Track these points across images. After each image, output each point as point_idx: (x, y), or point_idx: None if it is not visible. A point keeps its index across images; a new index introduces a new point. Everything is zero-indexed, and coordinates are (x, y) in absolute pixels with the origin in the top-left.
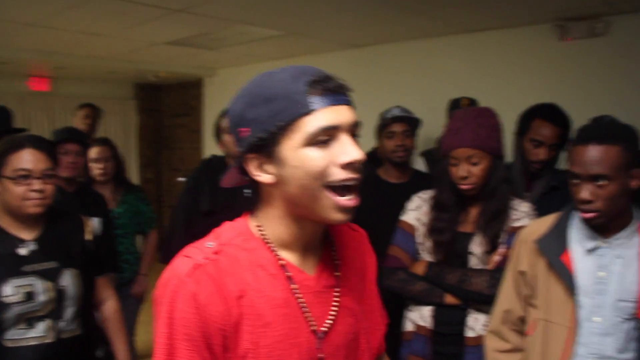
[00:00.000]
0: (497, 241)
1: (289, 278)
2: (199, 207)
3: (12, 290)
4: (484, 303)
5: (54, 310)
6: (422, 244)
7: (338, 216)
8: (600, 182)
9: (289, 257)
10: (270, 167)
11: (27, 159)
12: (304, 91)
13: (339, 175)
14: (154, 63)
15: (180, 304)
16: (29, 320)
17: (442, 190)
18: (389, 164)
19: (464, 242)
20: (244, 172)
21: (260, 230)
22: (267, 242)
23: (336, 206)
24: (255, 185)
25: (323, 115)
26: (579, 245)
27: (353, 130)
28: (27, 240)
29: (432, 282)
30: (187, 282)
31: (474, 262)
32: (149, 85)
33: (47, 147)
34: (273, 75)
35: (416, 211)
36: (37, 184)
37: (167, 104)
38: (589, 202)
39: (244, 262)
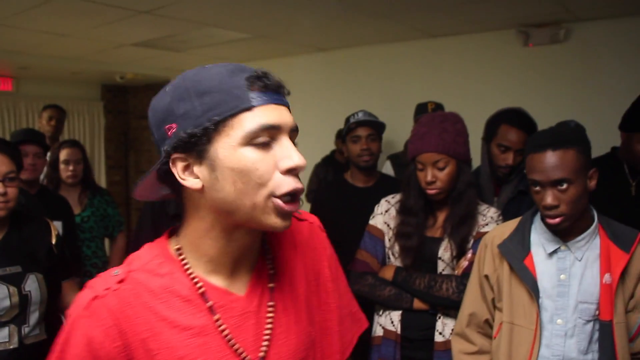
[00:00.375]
0: (465, 246)
1: (208, 302)
2: (167, 210)
3: None
4: (452, 308)
5: (17, 316)
6: (391, 248)
7: (278, 222)
8: (562, 187)
9: (212, 277)
10: (199, 170)
11: None
12: (244, 86)
13: (284, 185)
14: (121, 64)
15: (74, 340)
16: None
17: (410, 195)
18: (355, 168)
19: (432, 247)
20: (165, 178)
21: (178, 251)
22: (185, 264)
23: (278, 210)
24: (179, 194)
25: (264, 113)
26: (540, 249)
27: (293, 135)
28: None
29: (400, 287)
30: (83, 317)
31: (442, 267)
32: (116, 87)
33: (9, 149)
34: (208, 69)
35: (384, 215)
36: None
37: (134, 105)
38: (554, 207)
39: (155, 290)
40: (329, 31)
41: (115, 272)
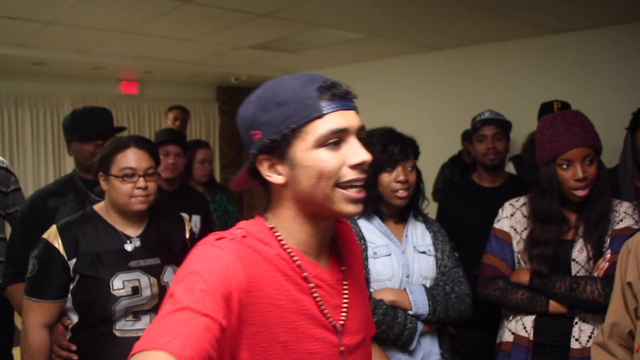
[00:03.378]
0: (602, 246)
1: (305, 277)
2: None
3: (120, 284)
4: (597, 312)
5: (157, 305)
6: (520, 253)
7: (350, 208)
8: None
9: (305, 253)
10: (281, 168)
11: (131, 158)
12: (316, 96)
13: (348, 175)
14: (237, 66)
15: (206, 259)
16: (136, 313)
17: (550, 200)
18: (482, 168)
19: (564, 249)
20: (254, 174)
21: (274, 231)
22: (281, 242)
23: (348, 199)
24: (266, 187)
25: (333, 119)
26: None
27: (359, 133)
28: (132, 237)
29: (539, 291)
30: (215, 246)
31: (576, 270)
32: (230, 88)
33: (149, 146)
34: (283, 81)
35: (510, 219)
36: (141, 182)
37: None
38: None
39: (265, 253)
40: (444, 30)
41: (237, 231)
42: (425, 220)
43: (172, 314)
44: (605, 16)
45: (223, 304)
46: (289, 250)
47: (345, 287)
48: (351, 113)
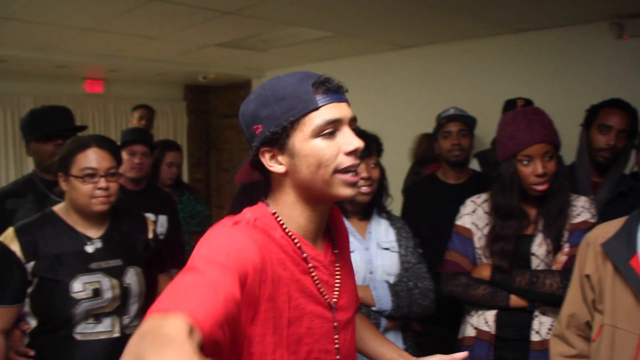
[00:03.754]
0: (561, 240)
1: (305, 258)
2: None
3: (81, 286)
4: (556, 305)
5: (119, 307)
6: (482, 248)
7: (348, 191)
8: None
9: (304, 237)
10: (282, 158)
11: (92, 158)
12: (311, 91)
13: (345, 162)
14: (204, 65)
15: (224, 240)
16: (97, 315)
17: (511, 196)
18: (446, 165)
19: (524, 244)
20: (256, 166)
21: (276, 216)
22: (283, 226)
23: (346, 182)
24: (267, 176)
25: (328, 110)
26: None
27: (352, 124)
28: (93, 238)
29: (500, 286)
30: (232, 229)
31: (536, 264)
32: (198, 87)
33: (111, 146)
34: (281, 79)
35: (471, 215)
36: (102, 182)
37: (215, 105)
38: None
39: (272, 236)
40: (413, 28)
41: (249, 214)
42: (389, 217)
43: (195, 282)
44: (569, 16)
45: (238, 283)
46: (290, 233)
47: (337, 268)
48: (344, 105)
